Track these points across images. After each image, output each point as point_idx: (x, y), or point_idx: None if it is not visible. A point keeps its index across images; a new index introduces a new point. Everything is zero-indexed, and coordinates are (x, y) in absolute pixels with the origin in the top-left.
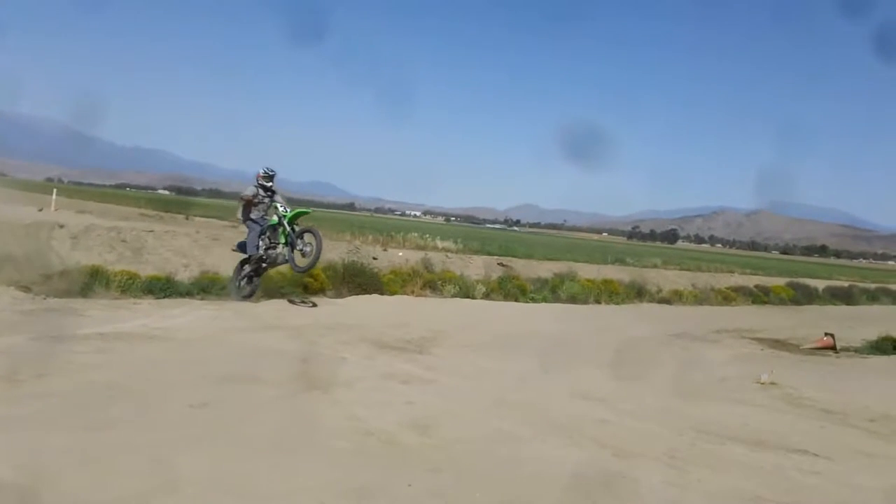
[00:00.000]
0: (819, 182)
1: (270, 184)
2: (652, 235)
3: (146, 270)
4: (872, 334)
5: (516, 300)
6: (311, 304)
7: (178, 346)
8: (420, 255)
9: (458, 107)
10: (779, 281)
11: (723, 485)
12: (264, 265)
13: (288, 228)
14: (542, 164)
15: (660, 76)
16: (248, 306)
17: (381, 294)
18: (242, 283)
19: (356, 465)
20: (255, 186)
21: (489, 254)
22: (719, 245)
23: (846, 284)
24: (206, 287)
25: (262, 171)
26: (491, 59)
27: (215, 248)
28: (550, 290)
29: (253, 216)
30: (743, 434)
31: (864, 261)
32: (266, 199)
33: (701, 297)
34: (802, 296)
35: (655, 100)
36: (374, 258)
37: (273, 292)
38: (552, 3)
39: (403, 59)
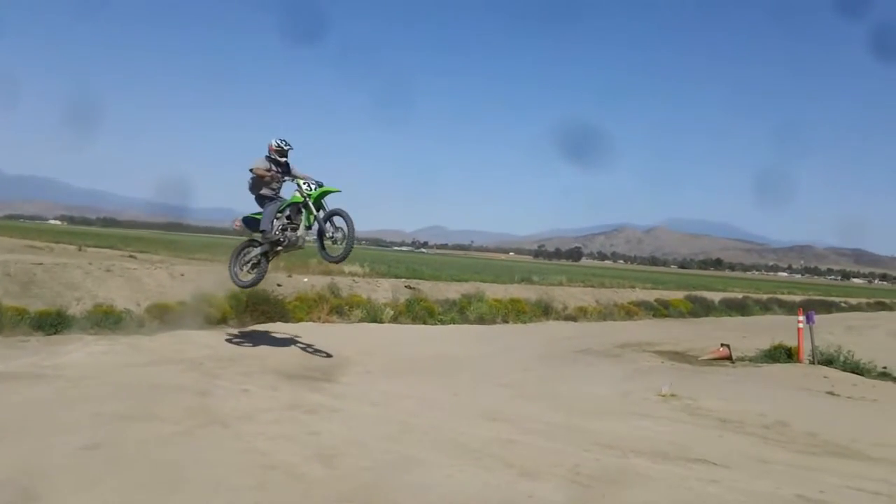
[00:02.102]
0: (713, 198)
1: (285, 159)
2: (557, 253)
3: (35, 305)
4: (765, 343)
5: (424, 322)
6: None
7: (67, 384)
8: (326, 279)
9: (364, 128)
10: (678, 294)
11: (626, 499)
12: (279, 248)
13: (314, 210)
14: (448, 185)
15: (563, 100)
16: (143, 340)
17: (286, 322)
18: (246, 267)
19: (259, 501)
20: (268, 160)
21: (397, 276)
22: (621, 261)
23: (740, 296)
24: (100, 321)
25: (274, 143)
26: (400, 78)
27: (109, 279)
28: (458, 312)
29: (265, 192)
30: (645, 447)
31: (757, 273)
32: (279, 176)
33: (605, 313)
34: (700, 308)
35: (560, 119)
36: (279, 284)
37: (171, 323)
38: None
39: (304, 83)
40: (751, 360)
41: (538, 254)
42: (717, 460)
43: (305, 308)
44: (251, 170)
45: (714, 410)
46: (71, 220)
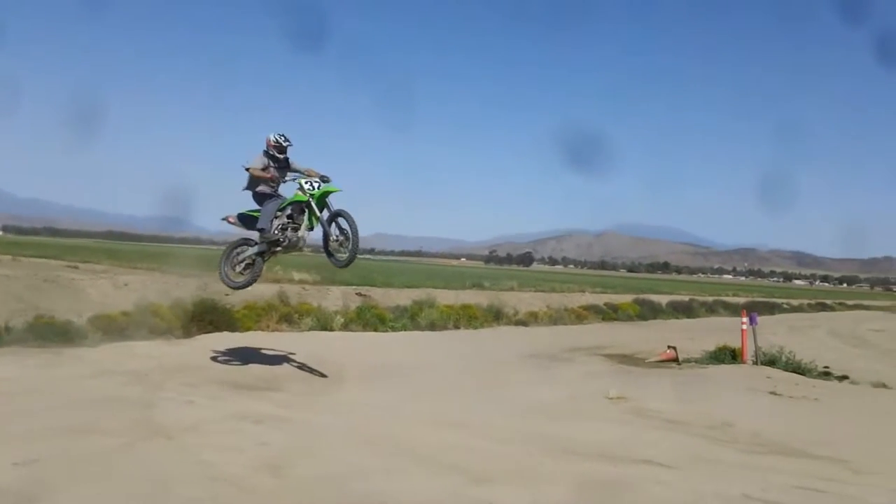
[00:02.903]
0: (661, 203)
1: (284, 155)
2: (508, 259)
3: None
4: (711, 345)
5: (376, 330)
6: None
7: (3, 398)
8: (275, 287)
9: (312, 132)
10: (626, 298)
11: (576, 501)
12: (277, 249)
13: (318, 211)
14: (399, 191)
15: (513, 104)
16: (86, 352)
17: (234, 331)
18: (239, 267)
19: None
20: (266, 156)
21: (347, 284)
22: (572, 266)
23: (687, 299)
24: (42, 332)
25: (272, 138)
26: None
27: (51, 290)
28: (410, 318)
29: (262, 189)
30: (594, 449)
31: (703, 276)
32: (278, 177)
33: (555, 318)
34: (648, 311)
35: (509, 125)
36: (226, 294)
37: (115, 334)
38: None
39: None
40: (697, 361)
41: (489, 259)
42: (664, 461)
43: (254, 317)
44: (247, 169)
45: (661, 412)
46: (18, 230)
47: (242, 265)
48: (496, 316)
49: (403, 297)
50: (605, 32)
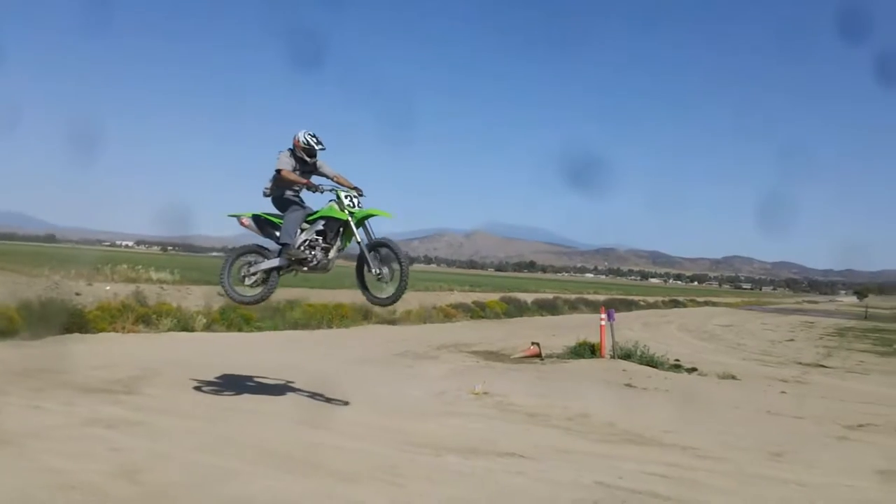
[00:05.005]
0: (527, 204)
1: (314, 159)
2: None
3: None
4: (572, 341)
5: (241, 330)
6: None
7: None
8: (132, 287)
9: (177, 127)
10: (494, 296)
11: (439, 494)
12: (304, 268)
13: (358, 234)
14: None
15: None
16: None
17: (86, 333)
18: (249, 280)
19: None
20: (292, 156)
21: (210, 283)
22: (443, 265)
23: (551, 297)
24: None
25: (302, 139)
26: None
27: None
28: (278, 317)
29: (287, 195)
30: (458, 444)
31: (567, 274)
32: (315, 185)
33: (424, 316)
34: (514, 309)
35: (389, 127)
36: (78, 294)
37: None
38: None
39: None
40: (559, 356)
41: None
42: (524, 453)
43: (108, 318)
44: (279, 171)
45: (523, 406)
46: None
47: (254, 278)
48: (366, 315)
49: (273, 295)
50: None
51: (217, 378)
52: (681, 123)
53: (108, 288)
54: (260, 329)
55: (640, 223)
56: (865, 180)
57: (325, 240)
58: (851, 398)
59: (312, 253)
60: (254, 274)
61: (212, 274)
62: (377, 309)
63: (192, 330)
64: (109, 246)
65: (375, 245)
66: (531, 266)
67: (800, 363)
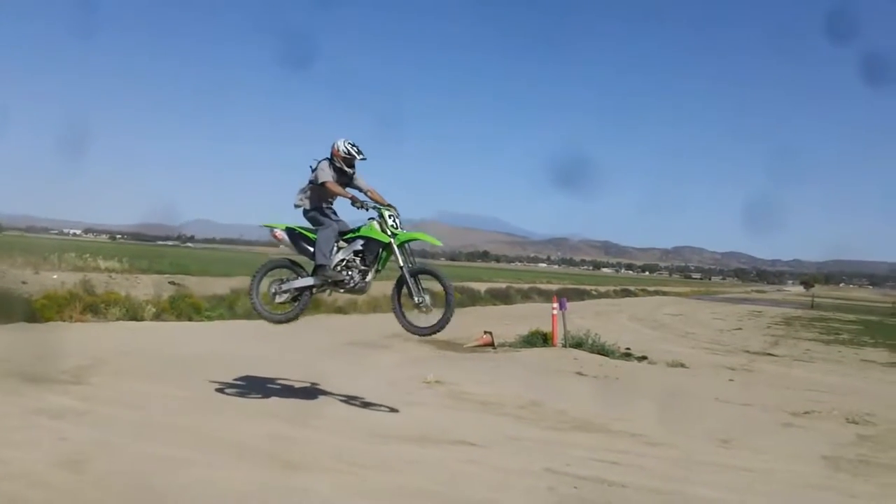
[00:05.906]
0: (481, 193)
1: (352, 170)
2: None
3: None
4: (525, 330)
5: (190, 319)
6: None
7: None
8: (79, 276)
9: (122, 114)
10: None
11: (390, 483)
12: (340, 290)
13: (401, 258)
14: (219, 177)
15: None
16: None
17: (33, 322)
18: (281, 297)
19: None
20: (331, 166)
21: (160, 272)
22: None
23: (504, 286)
24: None
25: (342, 148)
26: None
27: None
28: (227, 307)
29: (322, 208)
30: (410, 432)
31: (520, 264)
32: (366, 202)
33: (374, 305)
34: (467, 298)
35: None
36: (24, 282)
37: None
38: None
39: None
40: (511, 345)
41: None
42: (476, 440)
43: (55, 307)
44: (324, 183)
45: (475, 394)
46: None
47: (286, 295)
48: (315, 304)
49: (221, 285)
50: None
51: (167, 368)
52: (634, 114)
53: (55, 277)
54: (210, 319)
55: (592, 214)
56: (821, 174)
57: (363, 261)
58: (797, 386)
59: (349, 274)
60: (285, 292)
61: (160, 262)
62: (326, 298)
63: (141, 319)
64: (56, 234)
65: (420, 271)
66: (485, 255)
67: (748, 352)
